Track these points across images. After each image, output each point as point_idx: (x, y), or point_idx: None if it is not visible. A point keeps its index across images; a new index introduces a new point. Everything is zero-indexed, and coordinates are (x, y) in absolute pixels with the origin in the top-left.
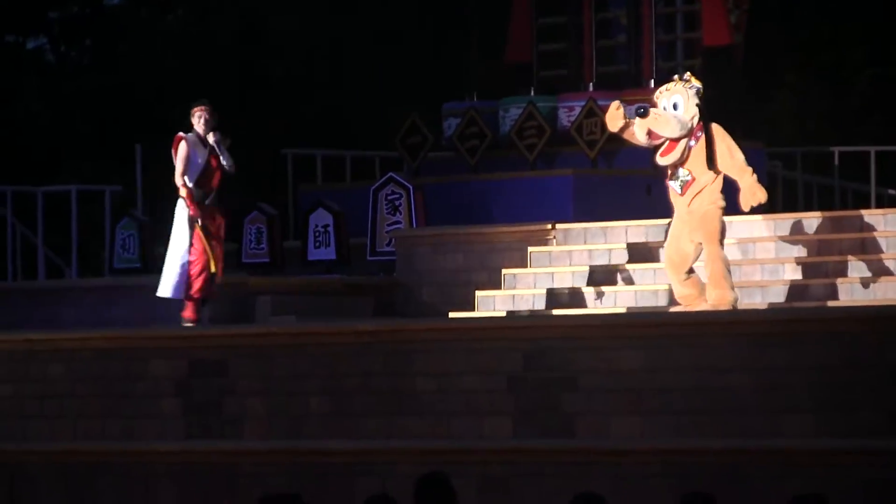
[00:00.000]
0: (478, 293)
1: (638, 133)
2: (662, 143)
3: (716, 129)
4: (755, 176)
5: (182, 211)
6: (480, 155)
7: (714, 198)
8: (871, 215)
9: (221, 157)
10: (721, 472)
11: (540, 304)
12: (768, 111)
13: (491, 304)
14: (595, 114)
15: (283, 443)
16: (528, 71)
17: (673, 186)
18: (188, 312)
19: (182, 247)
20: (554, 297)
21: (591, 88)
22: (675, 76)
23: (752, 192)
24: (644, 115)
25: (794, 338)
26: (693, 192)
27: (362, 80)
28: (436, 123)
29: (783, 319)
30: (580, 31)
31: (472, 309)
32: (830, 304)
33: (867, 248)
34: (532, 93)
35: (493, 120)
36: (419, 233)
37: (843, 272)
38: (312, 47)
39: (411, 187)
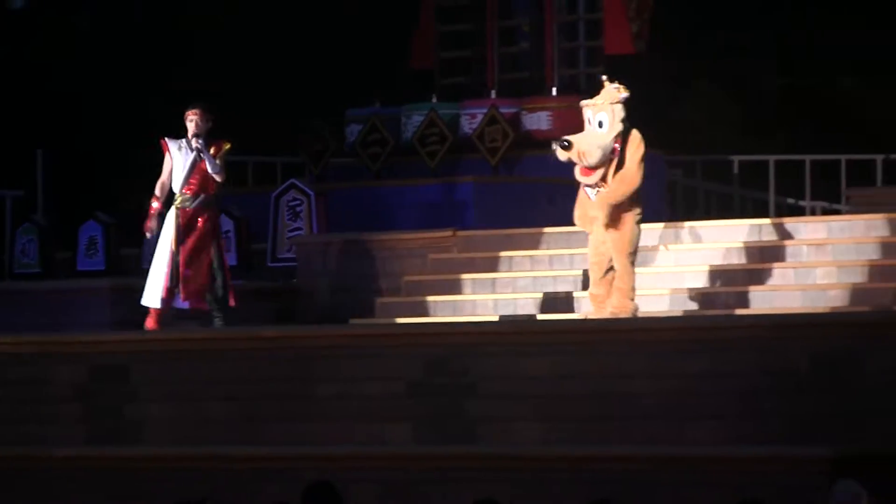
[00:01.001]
0: (379, 300)
1: (560, 158)
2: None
3: (633, 137)
4: (622, 198)
5: (169, 219)
6: (382, 161)
7: (630, 202)
8: (772, 224)
9: (207, 163)
10: (624, 480)
11: (441, 311)
12: (670, 119)
13: (392, 310)
14: (497, 121)
15: (185, 448)
16: (432, 78)
17: (590, 194)
18: (148, 321)
19: (164, 254)
20: (455, 303)
21: (493, 96)
22: (605, 79)
23: (601, 202)
24: (567, 148)
25: (699, 345)
26: None
27: (266, 85)
28: (339, 129)
29: (687, 327)
30: (483, 38)
31: (374, 316)
32: (737, 311)
33: (769, 256)
34: (435, 100)
35: (396, 126)
36: (320, 239)
37: (748, 280)
38: (216, 51)
39: (313, 193)
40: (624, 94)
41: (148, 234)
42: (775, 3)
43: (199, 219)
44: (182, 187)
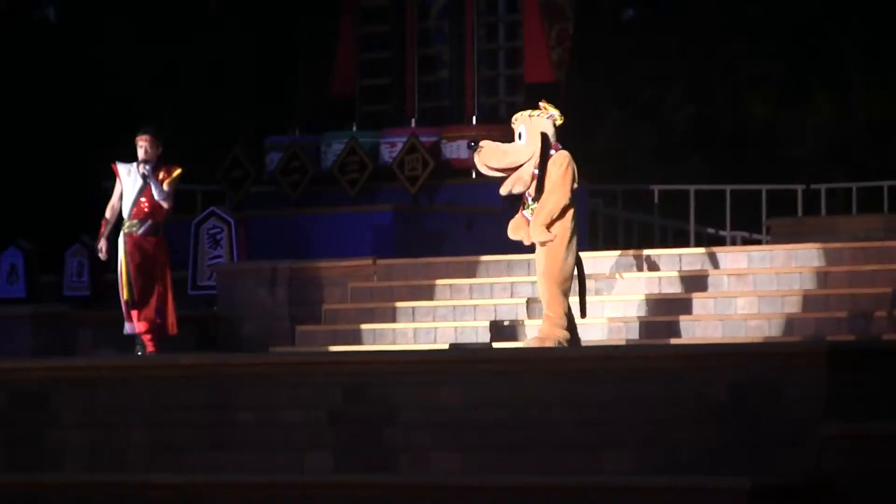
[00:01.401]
0: (299, 328)
1: (478, 166)
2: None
3: (554, 157)
4: (549, 219)
5: (120, 244)
6: (303, 189)
7: (557, 230)
8: (692, 254)
9: (153, 189)
10: None
11: (361, 340)
12: (590, 148)
13: (312, 338)
14: (417, 149)
15: (105, 476)
16: (352, 105)
17: (526, 216)
18: (148, 348)
19: (121, 281)
20: (375, 332)
21: (413, 124)
22: (543, 102)
23: (535, 231)
24: (474, 149)
25: (614, 374)
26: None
27: (185, 112)
28: (259, 157)
29: (602, 356)
30: (403, 66)
31: (294, 343)
32: (657, 341)
33: (690, 286)
34: (355, 128)
35: (316, 154)
36: (240, 267)
37: (666, 310)
38: (136, 78)
39: (233, 221)
40: (548, 111)
41: (100, 255)
42: (690, 34)
43: (147, 245)
44: (130, 213)
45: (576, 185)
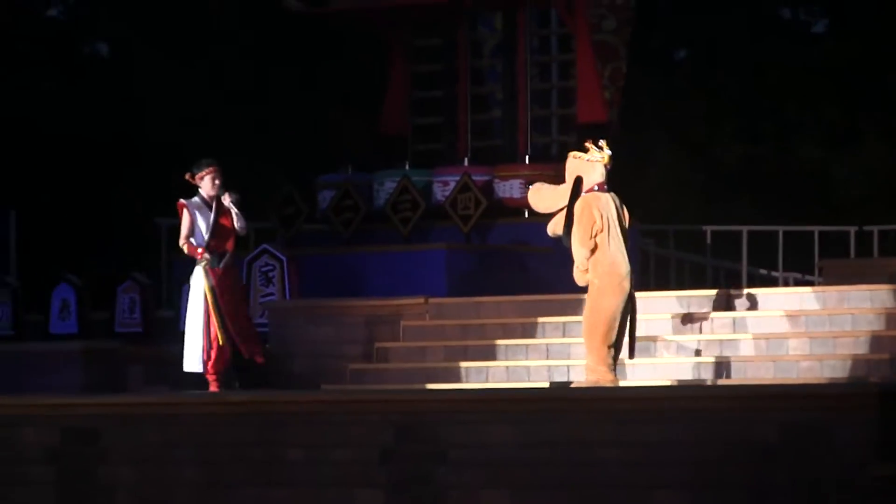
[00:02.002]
0: (350, 366)
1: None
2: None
3: (580, 202)
4: (577, 264)
5: (196, 279)
6: (355, 228)
7: (593, 275)
8: (742, 294)
9: (235, 219)
10: None
11: (412, 379)
12: (643, 187)
13: (363, 377)
14: (469, 188)
15: None
16: (404, 144)
17: None
18: (212, 388)
19: (198, 317)
20: (426, 370)
21: (465, 163)
22: (589, 142)
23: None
24: (526, 188)
25: (663, 415)
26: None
27: (236, 151)
28: (311, 195)
29: (651, 397)
30: (455, 104)
31: (345, 382)
32: (709, 381)
33: (742, 326)
34: (407, 166)
35: (369, 193)
36: (292, 304)
37: (716, 350)
38: (185, 117)
39: (285, 259)
40: (592, 154)
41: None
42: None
43: (228, 277)
44: (207, 247)
45: (610, 226)
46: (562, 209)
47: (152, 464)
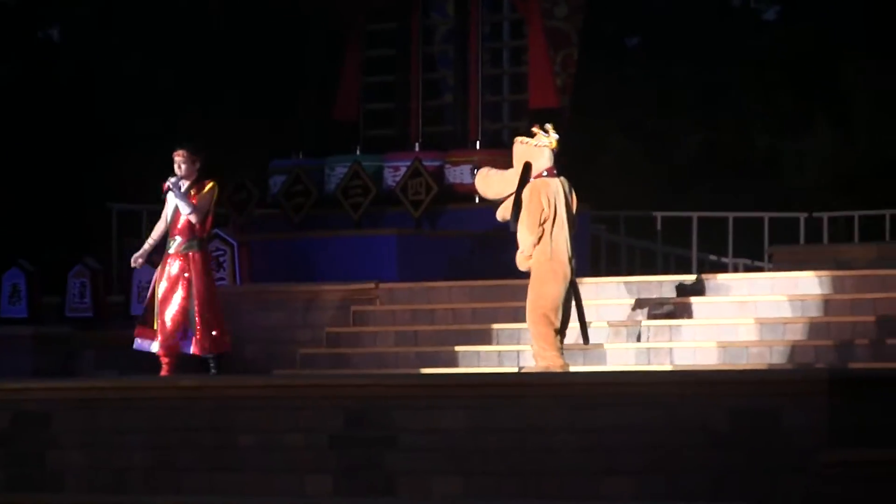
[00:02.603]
0: (301, 351)
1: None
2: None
3: (528, 188)
4: (523, 249)
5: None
6: (306, 213)
7: (536, 261)
8: (692, 280)
9: (178, 203)
10: None
11: (363, 364)
12: (594, 174)
13: (314, 362)
14: (420, 174)
15: (105, 497)
16: (356, 129)
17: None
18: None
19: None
20: (377, 356)
21: (417, 148)
22: (536, 127)
23: (517, 260)
24: (473, 174)
25: (615, 400)
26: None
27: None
28: (262, 180)
29: (603, 382)
30: (407, 90)
31: (296, 367)
32: (652, 368)
33: (691, 312)
34: (359, 151)
35: (320, 178)
36: (243, 290)
37: (668, 337)
38: (141, 99)
39: (236, 244)
40: (539, 139)
41: (132, 264)
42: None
43: (177, 263)
44: (170, 231)
45: (557, 212)
46: (511, 195)
47: (103, 448)
